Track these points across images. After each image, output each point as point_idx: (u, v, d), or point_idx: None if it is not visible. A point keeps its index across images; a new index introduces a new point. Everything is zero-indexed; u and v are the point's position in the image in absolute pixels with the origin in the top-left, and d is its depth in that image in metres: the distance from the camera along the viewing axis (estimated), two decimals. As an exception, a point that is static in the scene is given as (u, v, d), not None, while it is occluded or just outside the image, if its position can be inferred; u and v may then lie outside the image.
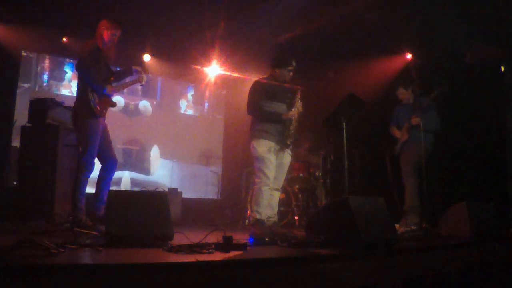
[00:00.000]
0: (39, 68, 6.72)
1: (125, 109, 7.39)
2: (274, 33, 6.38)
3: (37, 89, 6.61)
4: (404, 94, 4.95)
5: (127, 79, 4.29)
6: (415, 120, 4.64)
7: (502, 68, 5.07)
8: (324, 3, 5.57)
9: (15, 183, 5.03)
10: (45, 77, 6.79)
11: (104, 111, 3.83)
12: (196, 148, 8.03)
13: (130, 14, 5.82)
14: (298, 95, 4.04)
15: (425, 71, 5.27)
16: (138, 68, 4.19)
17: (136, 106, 7.53)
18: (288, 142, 3.99)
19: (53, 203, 4.23)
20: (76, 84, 3.91)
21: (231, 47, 6.68)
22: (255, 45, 6.55)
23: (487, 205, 4.24)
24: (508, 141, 5.06)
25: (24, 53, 6.50)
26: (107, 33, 3.82)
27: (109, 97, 3.86)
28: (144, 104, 7.60)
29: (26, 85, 6.53)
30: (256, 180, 3.96)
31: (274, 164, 3.95)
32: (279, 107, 4.02)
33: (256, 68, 6.74)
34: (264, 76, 4.18)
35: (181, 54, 7.04)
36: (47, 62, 6.82)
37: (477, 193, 4.79)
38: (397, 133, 4.99)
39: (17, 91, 6.35)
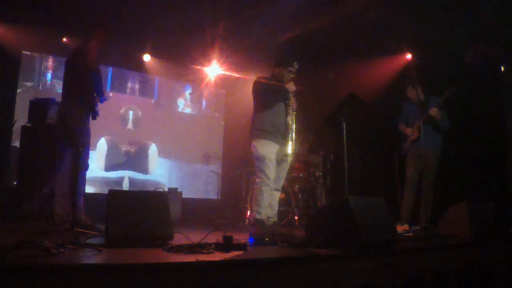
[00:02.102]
0: (42, 67, 6.73)
1: (124, 118, 7.42)
2: (274, 33, 6.38)
3: (40, 88, 6.63)
4: (412, 92, 4.98)
5: None
6: (433, 111, 4.65)
7: (502, 68, 5.07)
8: (324, 3, 5.57)
9: (15, 183, 5.03)
10: (49, 76, 6.80)
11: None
12: (194, 147, 8.03)
13: (130, 14, 5.82)
14: (290, 94, 4.03)
15: (425, 71, 5.27)
16: None
17: (136, 116, 7.55)
18: (289, 152, 3.99)
19: (53, 203, 4.22)
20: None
21: (231, 47, 6.68)
22: (255, 45, 6.55)
23: (487, 205, 4.24)
24: (508, 141, 5.06)
25: (28, 52, 6.51)
26: (104, 40, 3.99)
27: (102, 102, 4.02)
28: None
29: (29, 84, 6.54)
30: (257, 180, 3.96)
31: (275, 164, 3.95)
32: (279, 107, 4.02)
33: (256, 68, 6.74)
34: (265, 75, 4.19)
35: (181, 54, 7.04)
36: (50, 61, 6.83)
37: (477, 193, 4.79)
38: (408, 130, 5.01)
39: (20, 90, 6.36)
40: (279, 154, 4.01)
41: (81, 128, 3.76)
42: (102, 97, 3.90)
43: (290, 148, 4.01)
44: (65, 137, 3.84)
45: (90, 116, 3.85)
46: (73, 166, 3.79)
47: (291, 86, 3.99)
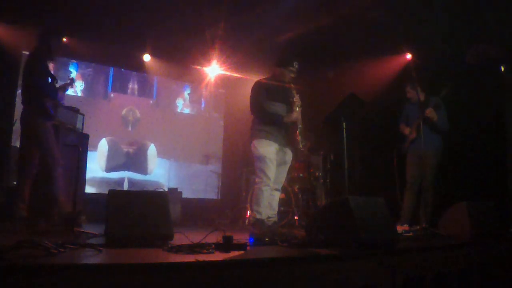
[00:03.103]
0: (44, 67, 6.74)
1: (125, 120, 7.42)
2: (274, 33, 6.38)
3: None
4: (411, 93, 4.99)
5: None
6: (429, 111, 4.65)
7: (502, 68, 5.07)
8: (324, 3, 5.57)
9: (15, 183, 5.02)
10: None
11: (56, 114, 4.14)
12: (193, 147, 8.03)
13: (130, 14, 5.82)
14: (294, 93, 4.01)
15: (425, 71, 5.28)
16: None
17: (136, 117, 7.54)
18: (300, 147, 3.97)
19: (52, 203, 4.22)
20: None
21: (231, 47, 6.68)
22: (255, 45, 6.55)
23: (487, 205, 4.24)
24: (508, 141, 5.06)
25: (28, 52, 6.50)
26: (54, 40, 4.11)
27: (60, 101, 4.19)
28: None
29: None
30: (257, 180, 3.96)
31: (275, 164, 3.94)
32: (280, 108, 4.00)
33: (256, 68, 6.74)
34: (266, 76, 4.18)
35: (181, 54, 7.04)
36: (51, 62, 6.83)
37: (477, 193, 4.79)
38: (406, 130, 5.03)
39: (21, 91, 6.36)
40: (279, 154, 4.01)
41: (39, 131, 3.93)
42: (55, 96, 4.07)
43: (301, 143, 3.95)
44: (29, 139, 4.03)
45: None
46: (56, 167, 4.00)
47: (294, 116, 3.94)
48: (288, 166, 4.14)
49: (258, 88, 4.04)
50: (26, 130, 4.06)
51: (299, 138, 3.94)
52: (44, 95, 3.94)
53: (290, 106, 4.02)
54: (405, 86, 5.06)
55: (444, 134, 4.87)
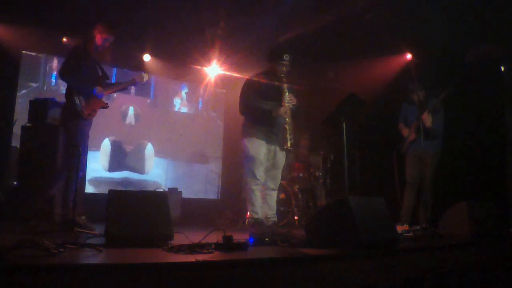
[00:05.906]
0: (47, 68, 6.74)
1: (124, 119, 7.43)
2: (275, 33, 6.38)
3: (45, 89, 6.63)
4: (413, 94, 4.93)
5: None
6: (426, 119, 4.63)
7: (502, 68, 5.07)
8: (324, 3, 5.57)
9: (15, 183, 5.03)
10: (53, 77, 6.80)
11: (92, 113, 3.91)
12: (191, 146, 7.99)
13: (130, 14, 5.82)
14: (285, 89, 3.94)
15: (425, 71, 5.27)
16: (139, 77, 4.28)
17: (137, 115, 7.55)
18: (287, 147, 3.89)
19: (53, 203, 4.22)
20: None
21: (231, 47, 6.68)
22: (255, 45, 6.55)
23: (487, 205, 4.24)
24: (508, 141, 5.06)
25: (29, 52, 6.51)
26: (99, 37, 3.91)
27: (99, 98, 3.94)
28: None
29: (34, 85, 6.55)
30: (248, 180, 3.93)
31: (265, 163, 3.93)
32: (271, 106, 3.92)
33: (256, 68, 6.71)
34: (258, 72, 4.14)
35: (181, 54, 7.04)
36: (55, 62, 6.82)
37: (477, 193, 4.79)
38: (405, 131, 5.00)
39: (25, 91, 6.37)
40: (270, 154, 3.98)
41: (70, 129, 3.82)
42: (88, 92, 3.86)
43: (289, 141, 3.87)
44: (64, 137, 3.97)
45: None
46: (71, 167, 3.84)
47: (283, 110, 3.88)
48: (282, 164, 4.08)
49: (247, 88, 4.01)
50: (62, 127, 4.00)
51: (286, 135, 3.86)
52: (74, 91, 3.80)
53: (282, 103, 3.93)
54: (409, 88, 5.00)
55: (437, 138, 4.83)
